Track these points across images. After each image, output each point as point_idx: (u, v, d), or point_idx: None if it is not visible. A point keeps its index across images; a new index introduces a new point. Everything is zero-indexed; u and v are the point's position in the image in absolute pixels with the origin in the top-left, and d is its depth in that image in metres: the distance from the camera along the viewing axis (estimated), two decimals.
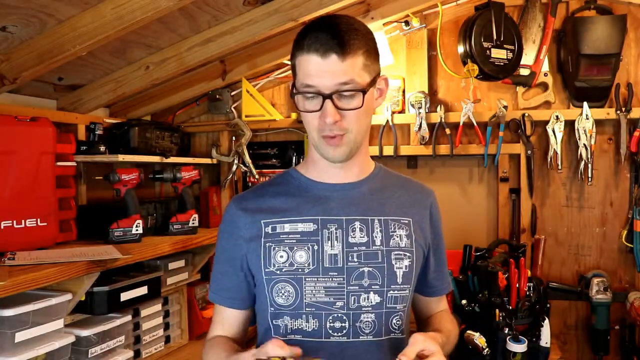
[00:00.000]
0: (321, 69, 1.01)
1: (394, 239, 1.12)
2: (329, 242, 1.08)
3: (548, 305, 1.95)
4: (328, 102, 1.02)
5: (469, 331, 1.81)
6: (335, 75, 1.01)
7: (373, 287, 1.08)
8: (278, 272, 1.08)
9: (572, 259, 2.38)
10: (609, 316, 2.22)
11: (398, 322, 1.12)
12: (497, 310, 1.83)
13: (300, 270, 1.07)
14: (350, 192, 1.14)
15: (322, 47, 1.00)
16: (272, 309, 1.09)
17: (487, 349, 1.76)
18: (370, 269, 1.09)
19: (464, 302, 1.93)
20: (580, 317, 2.38)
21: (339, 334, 1.07)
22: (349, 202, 1.13)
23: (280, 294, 1.07)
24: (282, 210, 1.12)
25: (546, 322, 1.86)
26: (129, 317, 1.81)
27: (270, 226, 1.11)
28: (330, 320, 1.07)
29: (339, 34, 1.01)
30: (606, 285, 2.22)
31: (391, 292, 1.10)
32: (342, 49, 1.01)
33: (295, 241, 1.08)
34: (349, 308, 1.07)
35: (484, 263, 1.96)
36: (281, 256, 1.08)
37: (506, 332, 1.79)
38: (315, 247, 1.08)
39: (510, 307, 1.88)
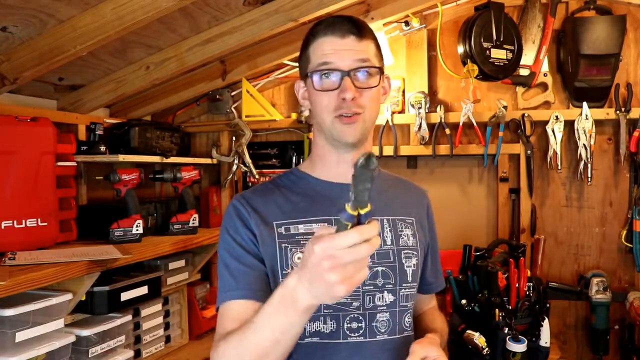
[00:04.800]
0: (340, 48, 1.05)
1: (402, 238, 1.14)
2: None
3: (548, 305, 1.95)
4: (347, 78, 1.04)
5: (468, 331, 1.81)
6: (354, 53, 1.05)
7: (387, 286, 1.10)
8: None
9: (571, 259, 2.39)
10: (608, 316, 2.22)
11: (409, 320, 1.14)
12: (496, 310, 1.83)
13: None
14: None
15: (340, 29, 1.05)
16: None
17: (486, 349, 1.76)
18: (384, 268, 1.10)
19: (463, 302, 1.93)
20: (579, 317, 2.38)
21: (356, 334, 1.07)
22: None
23: None
24: (293, 211, 1.10)
25: (546, 322, 1.86)
26: (129, 317, 1.82)
27: (283, 227, 1.08)
28: (348, 321, 1.07)
29: (354, 20, 1.08)
30: (606, 285, 2.22)
31: (403, 290, 1.12)
32: (359, 31, 1.07)
33: None
34: (364, 308, 1.08)
35: (484, 263, 1.96)
36: (299, 258, 1.06)
37: (506, 332, 1.79)
38: None
39: (510, 307, 1.88)
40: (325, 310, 1.05)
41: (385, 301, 1.09)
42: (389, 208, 1.16)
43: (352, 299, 1.07)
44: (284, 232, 1.08)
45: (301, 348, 1.06)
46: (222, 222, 1.15)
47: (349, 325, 1.07)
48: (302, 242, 1.07)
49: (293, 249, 1.07)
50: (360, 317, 1.07)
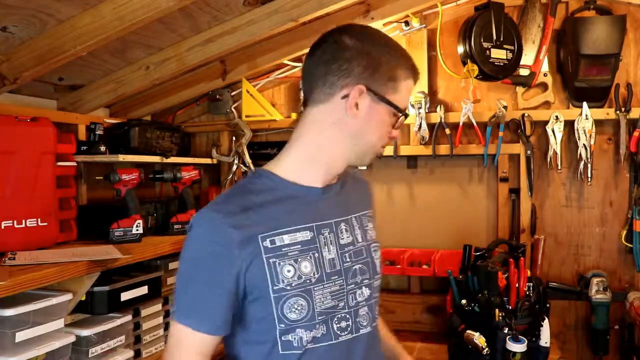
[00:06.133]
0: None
1: (368, 232, 1.19)
2: (326, 247, 1.08)
3: (548, 305, 1.95)
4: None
5: (468, 331, 1.82)
6: None
7: (364, 281, 1.13)
8: (289, 287, 1.02)
9: (571, 259, 2.39)
10: (608, 316, 2.22)
11: (377, 308, 1.19)
12: (496, 310, 1.83)
13: (308, 281, 1.04)
14: (331, 193, 1.14)
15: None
16: (283, 325, 1.02)
17: (486, 349, 1.76)
18: (360, 265, 1.13)
19: (463, 302, 1.93)
20: (579, 317, 2.38)
21: (345, 332, 1.08)
22: (333, 204, 1.13)
23: (293, 309, 1.02)
24: (276, 222, 1.05)
25: (546, 322, 1.86)
26: (129, 317, 1.81)
27: (268, 240, 1.03)
28: (336, 322, 1.07)
29: None
30: (606, 285, 2.22)
31: (375, 282, 1.17)
32: None
33: (297, 252, 1.04)
34: (349, 306, 1.09)
35: (484, 263, 1.96)
36: (289, 271, 1.03)
37: (506, 332, 1.79)
38: (316, 255, 1.06)
39: (510, 307, 1.88)
40: (319, 317, 1.05)
41: (364, 296, 1.12)
42: (354, 205, 1.19)
43: (338, 300, 1.07)
44: (269, 245, 1.02)
45: (299, 357, 1.05)
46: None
47: (338, 325, 1.08)
48: (289, 253, 1.03)
49: (281, 262, 1.02)
50: (348, 316, 1.09)
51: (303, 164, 1.11)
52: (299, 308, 1.02)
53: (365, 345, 1.12)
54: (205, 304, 1.02)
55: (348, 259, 1.11)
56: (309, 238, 1.07)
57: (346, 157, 1.12)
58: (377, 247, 1.21)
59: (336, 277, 1.08)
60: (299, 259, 1.04)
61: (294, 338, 1.04)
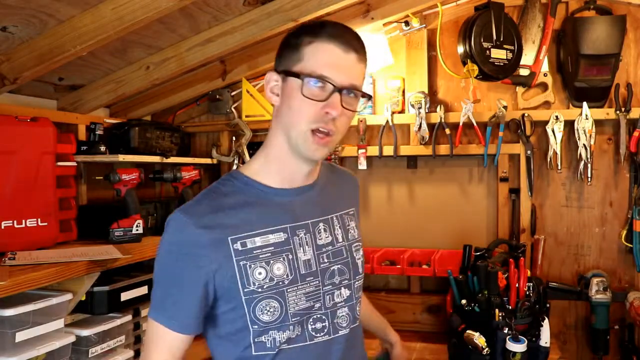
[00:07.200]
0: (340, 63, 1.02)
1: (350, 232, 1.18)
2: (301, 248, 1.07)
3: (548, 305, 1.95)
4: (337, 95, 1.01)
5: (469, 331, 1.82)
6: (351, 73, 1.03)
7: (343, 282, 1.12)
8: (260, 289, 1.02)
9: (571, 259, 2.39)
10: (608, 316, 2.22)
11: (359, 309, 1.18)
12: (496, 310, 1.83)
13: (280, 283, 1.04)
14: (309, 194, 1.13)
15: (346, 42, 1.02)
16: (256, 327, 1.03)
17: (486, 349, 1.76)
18: (339, 266, 1.12)
19: (463, 302, 1.93)
20: (579, 317, 2.38)
21: (321, 333, 1.08)
22: (310, 204, 1.12)
23: (266, 311, 1.02)
24: (247, 224, 1.04)
25: (546, 322, 1.86)
26: (129, 317, 1.81)
27: (239, 242, 1.02)
28: (312, 323, 1.07)
29: (359, 39, 1.06)
30: (606, 285, 2.22)
31: (357, 282, 1.16)
32: (362, 52, 1.05)
33: (270, 254, 1.04)
34: (326, 307, 1.09)
35: (484, 263, 1.96)
36: (260, 273, 1.02)
37: (506, 332, 1.79)
38: (290, 256, 1.05)
39: (510, 307, 1.88)
40: (293, 319, 1.05)
41: (343, 297, 1.12)
42: (335, 204, 1.18)
43: (314, 301, 1.07)
44: (240, 248, 1.02)
45: (272, 358, 1.05)
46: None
47: (313, 326, 1.07)
48: (260, 255, 1.03)
49: (252, 265, 1.02)
50: (324, 317, 1.09)
51: (266, 165, 1.11)
52: (271, 310, 1.03)
53: (344, 346, 1.11)
54: (174, 303, 1.03)
55: (325, 260, 1.10)
56: (283, 239, 1.06)
57: (286, 151, 1.07)
58: (360, 246, 1.19)
59: (311, 278, 1.07)
60: (271, 261, 1.04)
61: (267, 340, 1.04)
